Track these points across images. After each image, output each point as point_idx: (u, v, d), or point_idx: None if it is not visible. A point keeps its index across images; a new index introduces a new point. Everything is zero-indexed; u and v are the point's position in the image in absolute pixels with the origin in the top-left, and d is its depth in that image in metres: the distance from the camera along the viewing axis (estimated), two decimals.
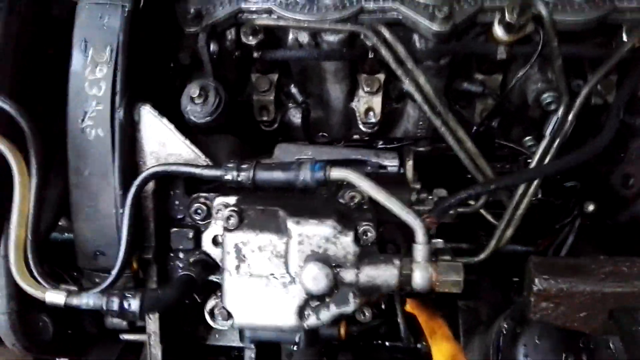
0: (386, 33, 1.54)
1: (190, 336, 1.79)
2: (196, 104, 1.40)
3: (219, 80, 1.51)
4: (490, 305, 1.91)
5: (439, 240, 1.43)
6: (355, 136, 1.87)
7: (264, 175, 1.27)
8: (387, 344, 2.00)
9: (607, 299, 1.19)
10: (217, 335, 1.84)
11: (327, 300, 1.25)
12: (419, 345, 1.90)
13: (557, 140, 1.47)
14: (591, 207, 1.59)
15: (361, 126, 1.80)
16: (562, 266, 1.25)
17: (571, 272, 1.22)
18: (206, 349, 1.86)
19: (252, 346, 1.83)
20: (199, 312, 1.44)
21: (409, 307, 1.71)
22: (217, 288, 1.40)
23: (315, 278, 1.20)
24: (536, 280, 1.22)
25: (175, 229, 1.43)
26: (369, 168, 1.67)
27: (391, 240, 1.40)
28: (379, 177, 1.63)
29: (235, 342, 1.83)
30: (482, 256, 1.57)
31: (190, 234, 1.42)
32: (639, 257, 1.23)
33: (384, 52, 1.54)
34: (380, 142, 1.84)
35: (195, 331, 1.81)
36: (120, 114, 1.30)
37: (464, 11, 1.53)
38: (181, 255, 1.45)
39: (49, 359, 1.69)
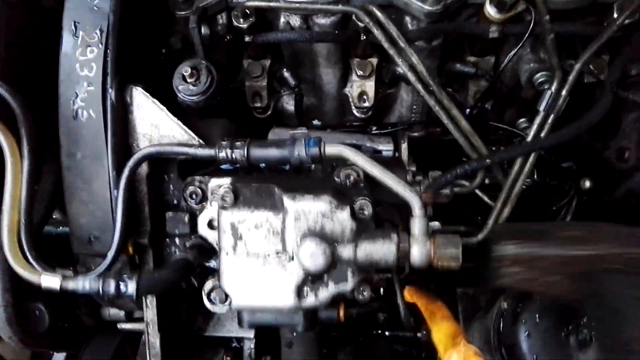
0: (378, 13, 1.54)
1: (188, 326, 1.77)
2: (188, 83, 1.39)
3: (211, 64, 1.50)
4: (488, 292, 1.90)
5: (436, 222, 1.43)
6: (350, 122, 1.87)
7: (258, 152, 1.26)
8: (387, 333, 2.00)
9: (568, 262, 1.20)
10: (215, 326, 1.83)
11: (325, 278, 1.24)
12: (419, 335, 1.89)
13: (552, 116, 1.48)
14: (588, 184, 1.60)
15: (355, 111, 1.80)
16: (523, 231, 1.27)
17: (533, 237, 1.24)
18: (205, 339, 1.84)
19: (252, 336, 1.82)
20: (197, 300, 1.43)
21: (408, 294, 1.70)
22: (213, 273, 1.38)
23: (313, 255, 1.19)
24: (500, 247, 1.24)
25: (171, 213, 1.41)
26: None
27: (388, 220, 1.39)
28: (375, 160, 1.64)
29: (234, 333, 1.82)
30: (480, 236, 1.56)
31: (186, 218, 1.40)
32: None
33: (376, 32, 1.54)
34: (375, 128, 1.84)
35: (193, 321, 1.79)
36: (112, 95, 1.28)
37: None
38: (177, 239, 1.43)
39: (46, 352, 1.67)
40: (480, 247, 1.39)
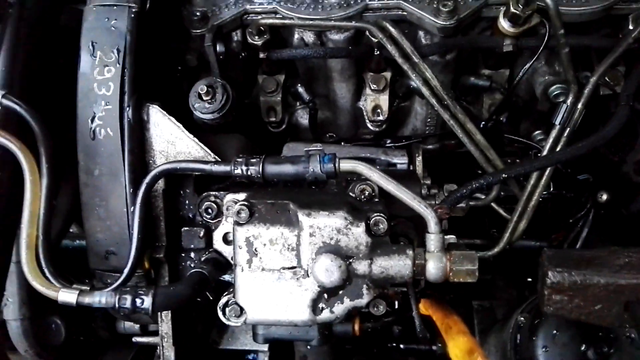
0: (391, 29, 1.55)
1: (203, 339, 1.78)
2: (204, 101, 1.41)
3: (226, 81, 1.51)
4: (505, 305, 1.89)
5: (452, 236, 1.42)
6: (364, 135, 1.87)
7: (273, 168, 1.27)
8: (401, 346, 1.98)
9: (621, 290, 1.17)
10: (230, 339, 1.83)
11: (341, 293, 1.24)
12: (434, 347, 1.88)
13: (568, 130, 1.46)
14: (605, 197, 1.58)
15: (369, 125, 1.80)
16: (575, 258, 1.23)
17: (585, 264, 1.20)
18: (219, 352, 1.84)
19: (266, 349, 1.82)
20: (211, 314, 1.43)
21: (423, 307, 1.69)
22: (229, 287, 1.39)
23: (328, 270, 1.19)
24: (549, 273, 1.20)
25: (186, 228, 1.42)
26: (378, 166, 1.66)
27: (404, 234, 1.38)
28: (389, 174, 1.64)
29: (249, 346, 1.82)
30: (496, 250, 1.56)
31: (201, 233, 1.41)
32: None
33: (390, 48, 1.55)
34: (389, 141, 1.84)
35: (208, 334, 1.80)
36: (129, 113, 1.31)
37: (468, 5, 1.54)
38: (192, 254, 1.45)
39: None
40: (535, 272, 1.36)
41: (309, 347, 1.53)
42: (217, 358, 1.85)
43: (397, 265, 1.21)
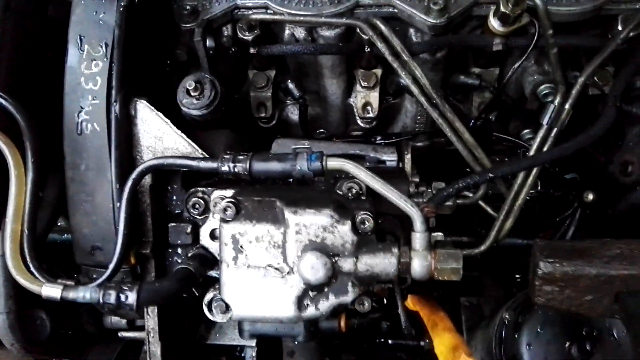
0: (382, 26, 1.55)
1: (190, 334, 1.78)
2: (192, 97, 1.41)
3: (216, 76, 1.51)
4: (492, 302, 1.90)
5: (439, 233, 1.43)
6: (354, 132, 1.87)
7: (260, 165, 1.27)
8: (390, 342, 1.99)
9: (612, 281, 1.17)
10: (217, 334, 1.84)
11: (326, 290, 1.25)
12: (422, 343, 1.89)
13: (555, 130, 1.47)
14: (591, 197, 1.59)
15: (359, 122, 1.80)
16: (567, 249, 1.23)
17: (576, 254, 1.20)
18: (207, 348, 1.85)
19: (253, 344, 1.82)
20: (198, 309, 1.43)
21: (410, 303, 1.70)
22: (215, 282, 1.39)
23: (314, 267, 1.20)
24: (541, 264, 1.20)
25: (173, 224, 1.42)
26: (367, 163, 1.67)
27: (390, 232, 1.38)
28: (378, 171, 1.64)
29: (236, 341, 1.82)
30: (482, 248, 1.56)
31: (188, 229, 1.41)
32: None
33: (380, 45, 1.55)
34: (379, 138, 1.84)
35: (195, 329, 1.80)
36: (116, 108, 1.30)
37: (459, 3, 1.54)
38: (179, 250, 1.44)
39: (48, 359, 1.68)
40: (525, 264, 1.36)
41: (296, 342, 1.54)
42: (205, 353, 1.86)
43: (383, 263, 1.22)
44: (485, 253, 1.59)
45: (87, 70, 1.30)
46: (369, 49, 1.59)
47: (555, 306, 1.20)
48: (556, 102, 1.46)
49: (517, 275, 1.96)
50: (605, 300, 1.18)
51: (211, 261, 1.40)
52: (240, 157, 1.27)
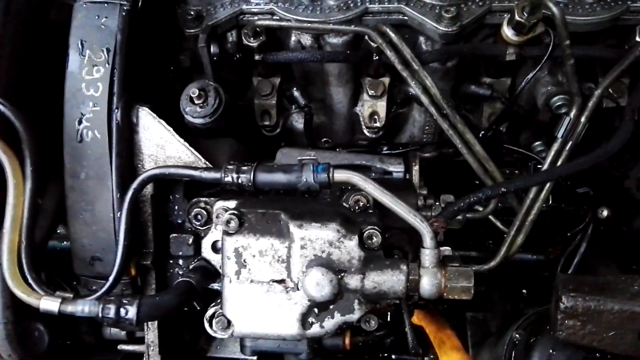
0: (392, 34, 1.51)
1: (190, 347, 1.74)
2: (195, 105, 1.37)
3: (219, 82, 1.47)
4: (499, 317, 1.85)
5: (447, 247, 1.39)
6: (360, 141, 1.84)
7: (264, 177, 1.23)
8: (393, 357, 1.95)
9: (636, 317, 1.14)
10: (218, 347, 1.80)
11: (331, 307, 1.20)
12: (426, 359, 1.84)
13: (570, 143, 1.43)
14: (605, 213, 1.55)
15: (365, 131, 1.77)
16: (590, 283, 1.21)
17: (599, 289, 1.18)
18: None
19: (254, 358, 1.78)
20: (199, 322, 1.40)
21: (417, 318, 1.66)
22: (217, 296, 1.35)
23: (319, 284, 1.15)
24: (563, 298, 1.18)
25: (175, 235, 1.39)
26: (373, 174, 1.63)
27: (398, 247, 1.35)
28: (384, 183, 1.60)
29: (237, 354, 1.78)
30: (492, 264, 1.52)
31: (190, 240, 1.38)
32: None
33: (389, 53, 1.51)
34: (385, 148, 1.80)
35: (196, 342, 1.76)
36: (117, 115, 1.27)
37: (471, 11, 1.50)
38: (180, 261, 1.41)
39: None
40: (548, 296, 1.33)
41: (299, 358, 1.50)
42: None
43: (391, 280, 1.17)
44: (494, 269, 1.55)
45: (88, 76, 1.27)
46: (377, 57, 1.56)
47: (576, 341, 1.17)
48: (572, 114, 1.42)
49: (523, 290, 1.92)
50: (629, 337, 1.15)
51: (213, 274, 1.37)
52: (244, 168, 1.23)
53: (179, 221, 1.42)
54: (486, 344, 1.74)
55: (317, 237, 1.19)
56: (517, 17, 1.41)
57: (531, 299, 1.87)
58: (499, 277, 1.87)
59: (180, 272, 1.40)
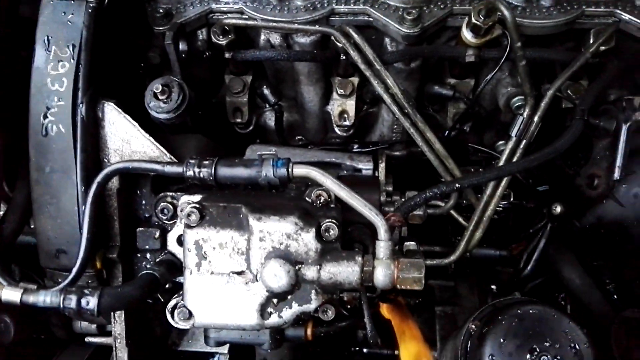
0: (355, 35, 1.55)
1: (161, 340, 1.76)
2: (159, 100, 1.40)
3: (189, 80, 1.50)
4: (466, 312, 1.90)
5: (412, 242, 1.42)
6: (332, 139, 1.87)
7: (225, 171, 1.26)
8: (364, 350, 1.99)
9: None
10: (189, 341, 1.82)
11: (289, 298, 1.24)
12: (396, 352, 1.88)
13: (524, 141, 1.48)
14: (559, 209, 1.60)
15: (336, 129, 1.80)
16: None
17: None
18: (178, 354, 1.83)
19: (226, 351, 1.81)
20: None
21: (385, 310, 1.69)
22: (181, 289, 1.38)
23: (277, 275, 1.19)
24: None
25: (141, 229, 1.41)
26: (343, 171, 1.67)
27: (359, 241, 1.38)
28: (352, 179, 1.64)
29: (209, 348, 1.80)
30: (452, 257, 1.56)
31: (157, 234, 1.40)
32: None
33: (352, 53, 1.55)
34: (356, 146, 1.84)
35: (167, 336, 1.78)
36: (82, 110, 1.29)
37: (433, 14, 1.55)
38: (148, 255, 1.43)
39: None
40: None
41: (269, 349, 1.53)
42: (176, 359, 1.84)
43: (346, 271, 1.21)
44: (461, 263, 1.59)
45: (53, 71, 1.29)
46: (344, 57, 1.60)
47: None
48: (525, 114, 1.47)
49: (492, 287, 1.97)
50: None
51: (179, 267, 1.39)
52: (206, 162, 1.26)
53: (146, 215, 1.44)
54: (451, 337, 1.78)
55: (275, 229, 1.22)
56: (473, 20, 1.46)
57: (499, 294, 1.91)
58: (467, 273, 1.92)
59: (148, 266, 1.42)
